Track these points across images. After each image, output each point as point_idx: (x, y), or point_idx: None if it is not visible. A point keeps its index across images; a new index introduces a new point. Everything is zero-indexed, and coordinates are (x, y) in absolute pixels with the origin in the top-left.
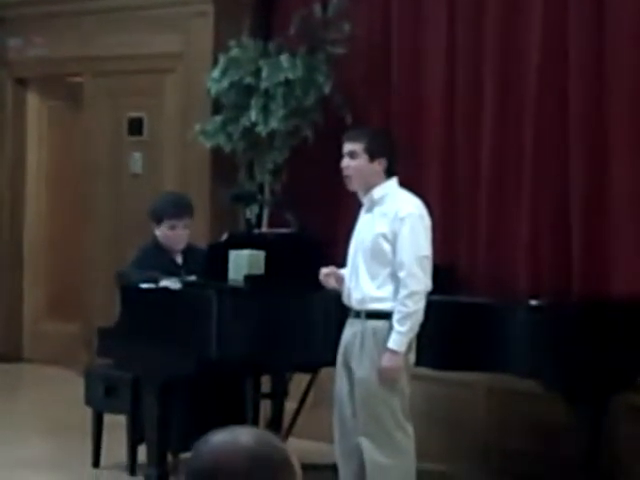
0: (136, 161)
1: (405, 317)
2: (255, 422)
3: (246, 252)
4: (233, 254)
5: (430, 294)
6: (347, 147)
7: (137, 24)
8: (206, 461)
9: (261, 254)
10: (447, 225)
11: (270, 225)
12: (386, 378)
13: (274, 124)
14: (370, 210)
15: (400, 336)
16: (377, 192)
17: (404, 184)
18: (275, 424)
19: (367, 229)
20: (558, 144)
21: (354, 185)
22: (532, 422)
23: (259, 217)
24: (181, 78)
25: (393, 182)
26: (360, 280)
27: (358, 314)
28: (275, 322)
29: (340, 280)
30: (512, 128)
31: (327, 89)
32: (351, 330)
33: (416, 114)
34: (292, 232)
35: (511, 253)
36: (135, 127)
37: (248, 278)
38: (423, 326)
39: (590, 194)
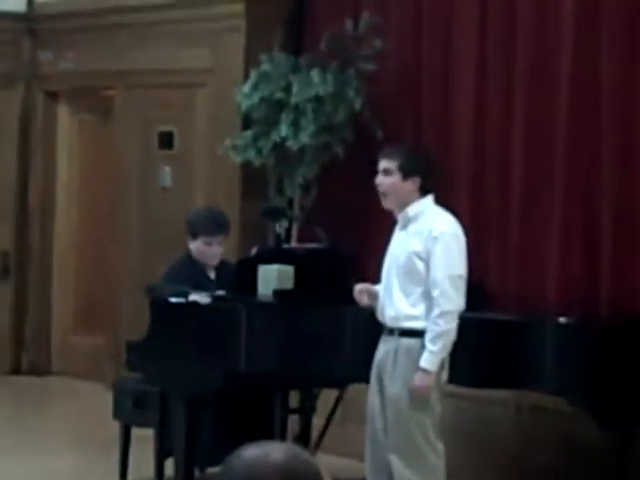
0: (166, 175)
1: (437, 336)
2: (283, 437)
3: (275, 267)
4: (262, 269)
5: None
6: (382, 164)
7: (169, 38)
8: (237, 476)
9: (290, 269)
10: (477, 242)
11: (299, 240)
12: (417, 397)
13: (304, 139)
14: (404, 227)
15: (432, 355)
16: (412, 210)
17: (435, 201)
18: (303, 439)
19: (401, 246)
20: (590, 160)
21: (388, 202)
22: (561, 439)
23: (288, 232)
24: (212, 92)
25: (429, 200)
26: (394, 297)
27: (392, 331)
28: (303, 337)
29: (373, 297)
30: (543, 144)
31: (358, 105)
32: (384, 347)
33: (447, 130)
34: (321, 247)
35: (541, 270)
36: (165, 141)
37: (277, 293)
38: (454, 343)
39: (621, 211)
